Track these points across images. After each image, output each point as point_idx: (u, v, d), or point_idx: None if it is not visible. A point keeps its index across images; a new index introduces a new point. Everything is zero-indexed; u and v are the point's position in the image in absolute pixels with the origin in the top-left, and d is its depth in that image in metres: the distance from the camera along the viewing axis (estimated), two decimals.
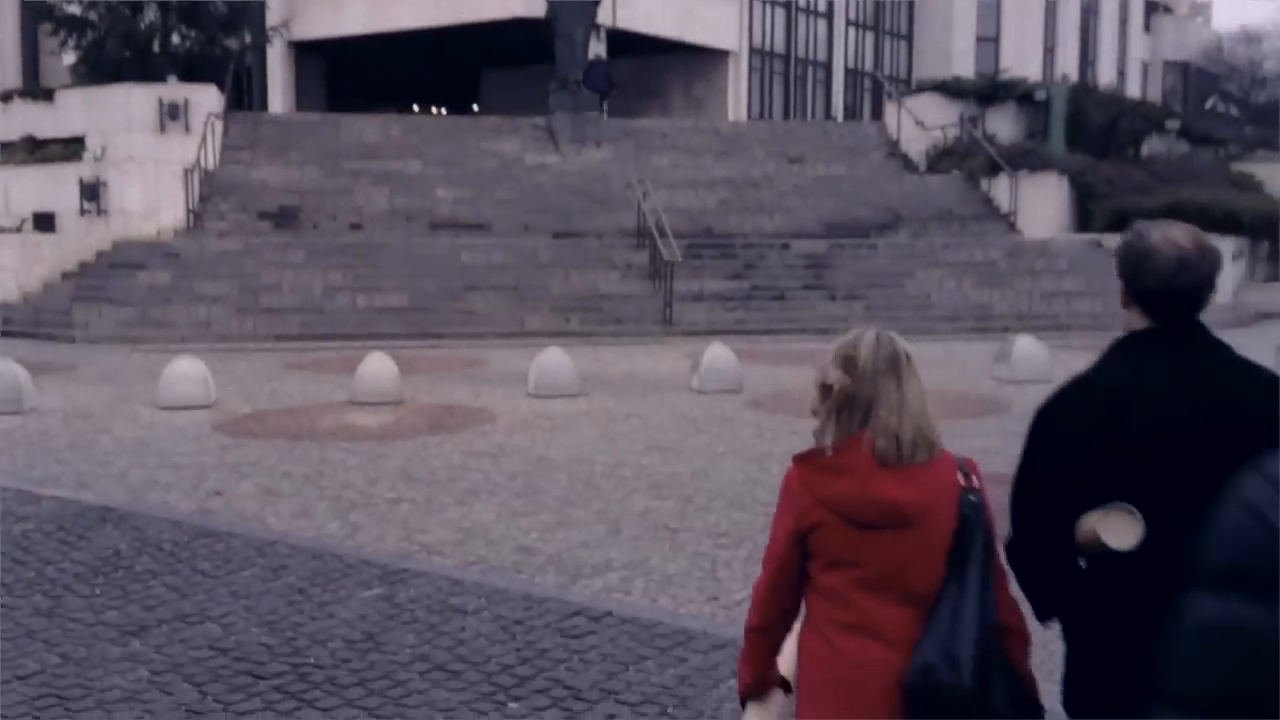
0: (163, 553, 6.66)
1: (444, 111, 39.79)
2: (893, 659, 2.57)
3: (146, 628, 5.45)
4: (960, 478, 2.67)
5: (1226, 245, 23.35)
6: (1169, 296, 2.61)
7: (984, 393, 12.83)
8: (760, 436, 10.29)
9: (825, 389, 2.66)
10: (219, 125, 23.98)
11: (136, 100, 23.13)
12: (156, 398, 11.86)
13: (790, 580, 2.71)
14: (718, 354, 13.04)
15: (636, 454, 9.55)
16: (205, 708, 4.56)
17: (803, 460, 2.69)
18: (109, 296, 19.00)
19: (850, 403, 2.64)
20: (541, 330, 18.33)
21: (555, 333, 17.94)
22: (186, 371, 12.03)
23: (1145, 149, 29.71)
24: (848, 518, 2.61)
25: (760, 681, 2.82)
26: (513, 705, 4.60)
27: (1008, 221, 24.53)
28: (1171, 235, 2.64)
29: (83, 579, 6.18)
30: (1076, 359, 16.26)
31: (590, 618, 5.59)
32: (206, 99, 23.77)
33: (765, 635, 2.78)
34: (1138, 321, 2.70)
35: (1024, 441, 2.74)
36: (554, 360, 12.87)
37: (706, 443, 9.96)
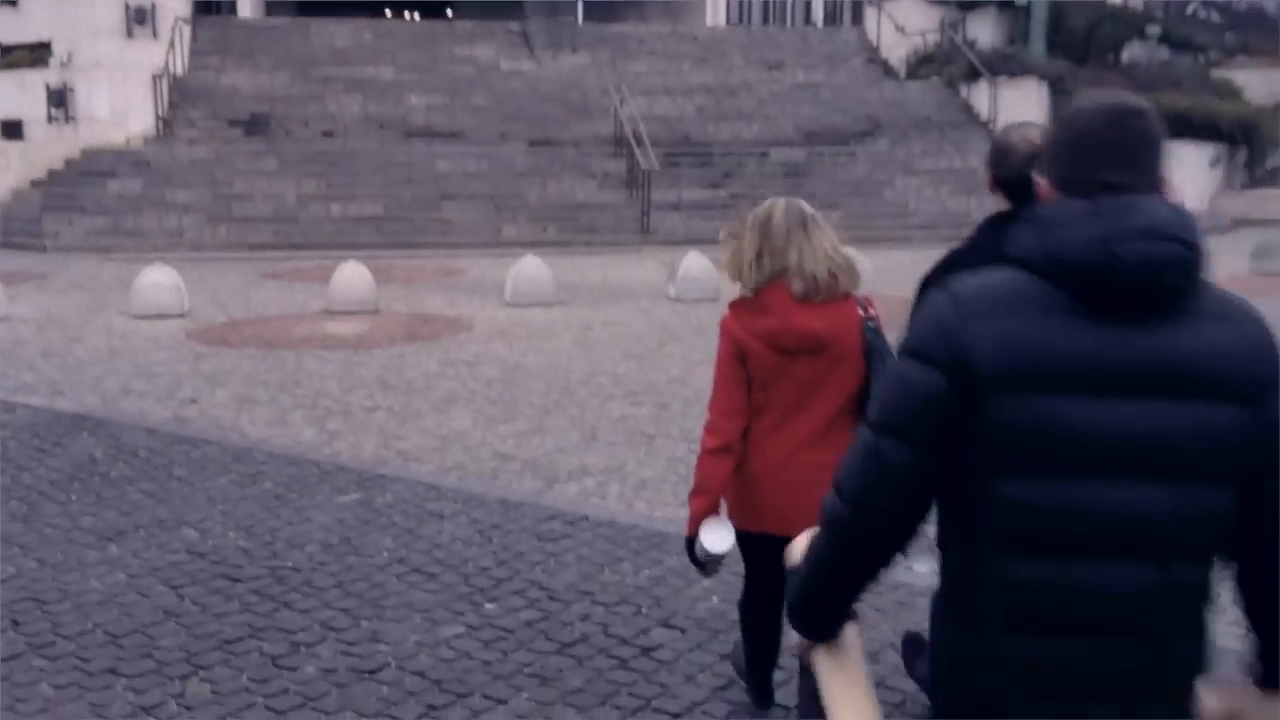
0: (138, 459, 6.66)
1: (416, 17, 39.04)
2: (813, 453, 3.29)
3: (123, 533, 5.47)
4: (860, 310, 3.36)
5: (1204, 152, 23.35)
6: (1020, 184, 2.98)
7: None
8: None
9: (737, 245, 3.43)
10: (187, 30, 23.48)
11: (102, 4, 22.61)
12: (130, 306, 11.78)
13: (739, 396, 3.41)
14: (695, 262, 13.00)
15: (613, 362, 9.56)
16: (182, 610, 4.60)
17: (735, 304, 3.45)
18: (79, 205, 18.74)
19: (768, 256, 3.33)
20: (518, 240, 18.21)
21: (532, 242, 17.82)
22: (159, 280, 11.93)
23: (1125, 55, 29.45)
24: (775, 346, 3.32)
25: (714, 502, 3.40)
26: (489, 606, 4.65)
27: (987, 129, 24.36)
28: (1027, 134, 3.15)
29: (59, 485, 6.19)
30: None
31: (566, 521, 5.64)
32: (174, 3, 23.24)
33: (724, 454, 3.39)
34: (1001, 204, 3.18)
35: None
36: (531, 269, 12.82)
37: (683, 350, 9.97)
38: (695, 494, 3.44)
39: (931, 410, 1.80)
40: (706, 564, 3.54)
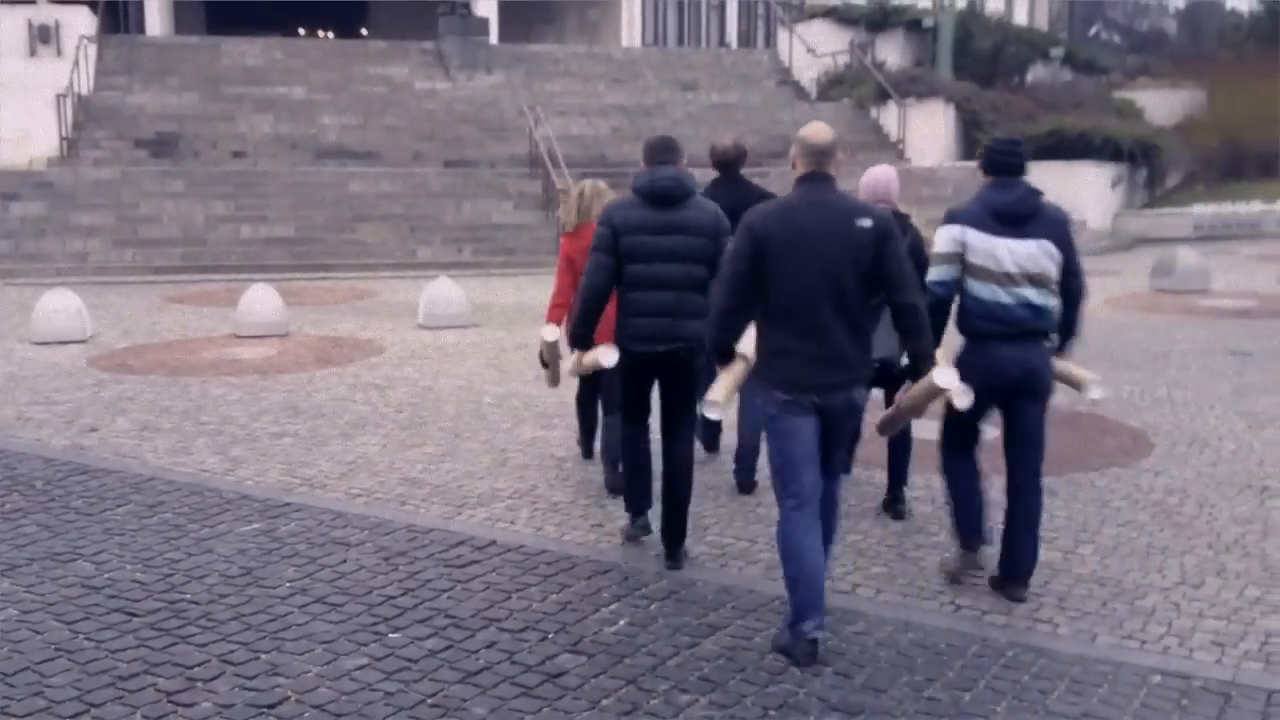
0: (34, 490, 6.49)
1: (330, 35, 38.75)
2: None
3: (16, 566, 5.32)
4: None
5: (1105, 171, 23.93)
6: (722, 166, 6.89)
7: None
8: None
9: (566, 206, 6.82)
10: (93, 49, 23.03)
11: (4, 22, 22.12)
12: (30, 333, 11.50)
13: (566, 282, 6.49)
14: None
15: (526, 384, 9.53)
16: (75, 646, 4.48)
17: (566, 235, 6.63)
18: None
19: (579, 211, 6.58)
20: (433, 261, 18.09)
21: (447, 264, 17.73)
22: (60, 305, 11.66)
23: (1030, 76, 30.15)
24: (585, 252, 5.66)
25: (588, 337, 5.57)
26: (393, 635, 4.60)
27: (896, 149, 24.78)
28: (721, 141, 6.99)
29: None
30: None
31: (474, 547, 5.60)
32: (79, 21, 22.80)
33: (563, 309, 6.46)
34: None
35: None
36: (444, 291, 12.74)
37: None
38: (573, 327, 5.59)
39: (605, 240, 5.34)
40: (583, 373, 6.02)
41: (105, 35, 24.69)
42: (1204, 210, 23.41)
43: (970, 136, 25.43)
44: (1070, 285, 5.01)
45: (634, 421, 5.65)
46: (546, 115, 21.74)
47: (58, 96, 20.43)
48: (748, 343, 4.65)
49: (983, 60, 28.75)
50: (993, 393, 4.95)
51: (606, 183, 6.73)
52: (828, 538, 4.68)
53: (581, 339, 5.49)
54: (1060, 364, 5.15)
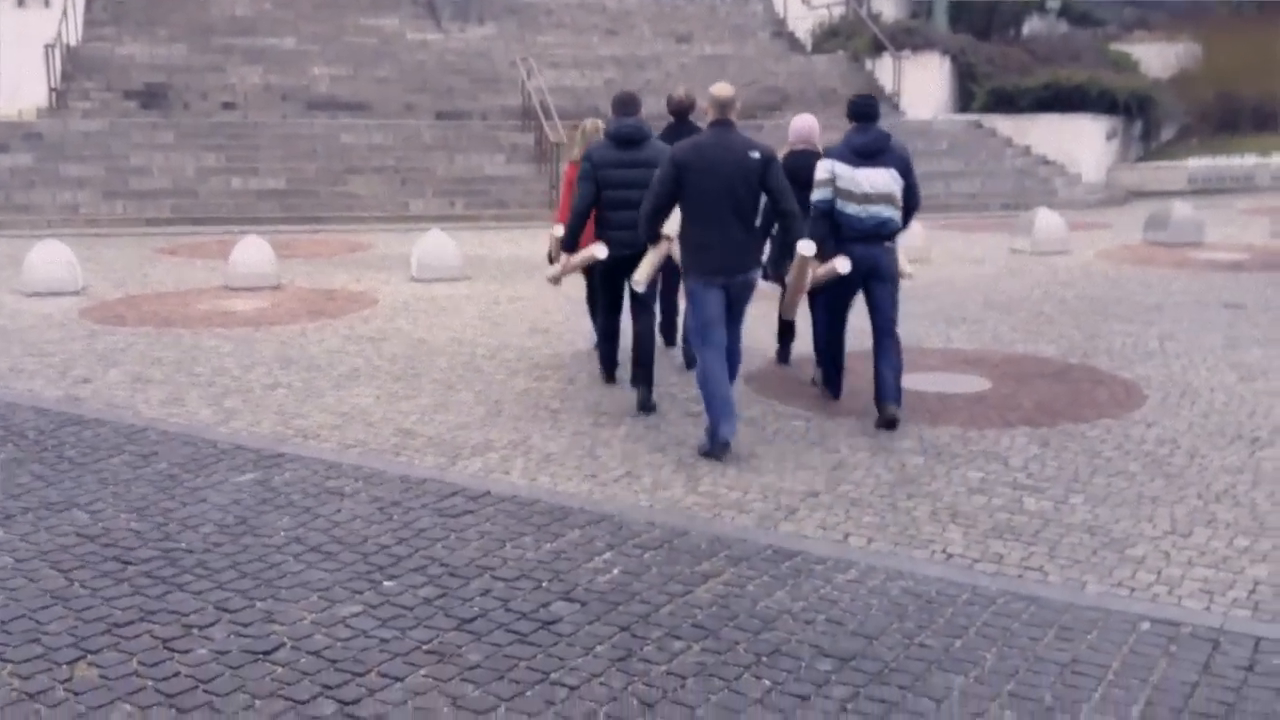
0: (28, 440, 6.49)
1: None
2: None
3: (10, 516, 5.33)
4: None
5: (1101, 124, 23.82)
6: (676, 113, 8.14)
7: None
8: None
9: (571, 139, 9.13)
10: None
11: None
12: (21, 284, 11.45)
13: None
14: None
15: (519, 336, 9.53)
16: (71, 594, 4.50)
17: (572, 162, 8.24)
18: None
19: (581, 144, 8.06)
20: (425, 214, 18.02)
21: (439, 216, 17.65)
22: (52, 257, 11.60)
23: (1026, 28, 29.93)
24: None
25: (575, 243, 7.41)
26: (388, 584, 4.62)
27: (891, 102, 24.63)
28: (676, 93, 8.24)
29: None
30: (953, 239, 16.62)
31: (468, 497, 5.62)
32: None
33: (580, 223, 7.37)
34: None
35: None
36: (437, 243, 12.69)
37: (590, 325, 9.94)
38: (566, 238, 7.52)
39: (587, 172, 7.28)
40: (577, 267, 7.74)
41: None
42: (1198, 164, 23.35)
43: (966, 89, 25.31)
44: (909, 201, 7.00)
45: (612, 313, 7.78)
46: (539, 67, 21.57)
47: (46, 47, 20.22)
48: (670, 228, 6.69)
49: (979, 12, 28.53)
50: (851, 279, 6.90)
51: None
52: (732, 374, 6.60)
53: (570, 245, 7.47)
54: (906, 269, 7.26)
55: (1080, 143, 23.42)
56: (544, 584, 4.62)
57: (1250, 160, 23.46)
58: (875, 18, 26.67)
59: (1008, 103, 24.14)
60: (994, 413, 7.16)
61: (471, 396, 7.58)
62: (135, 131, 19.38)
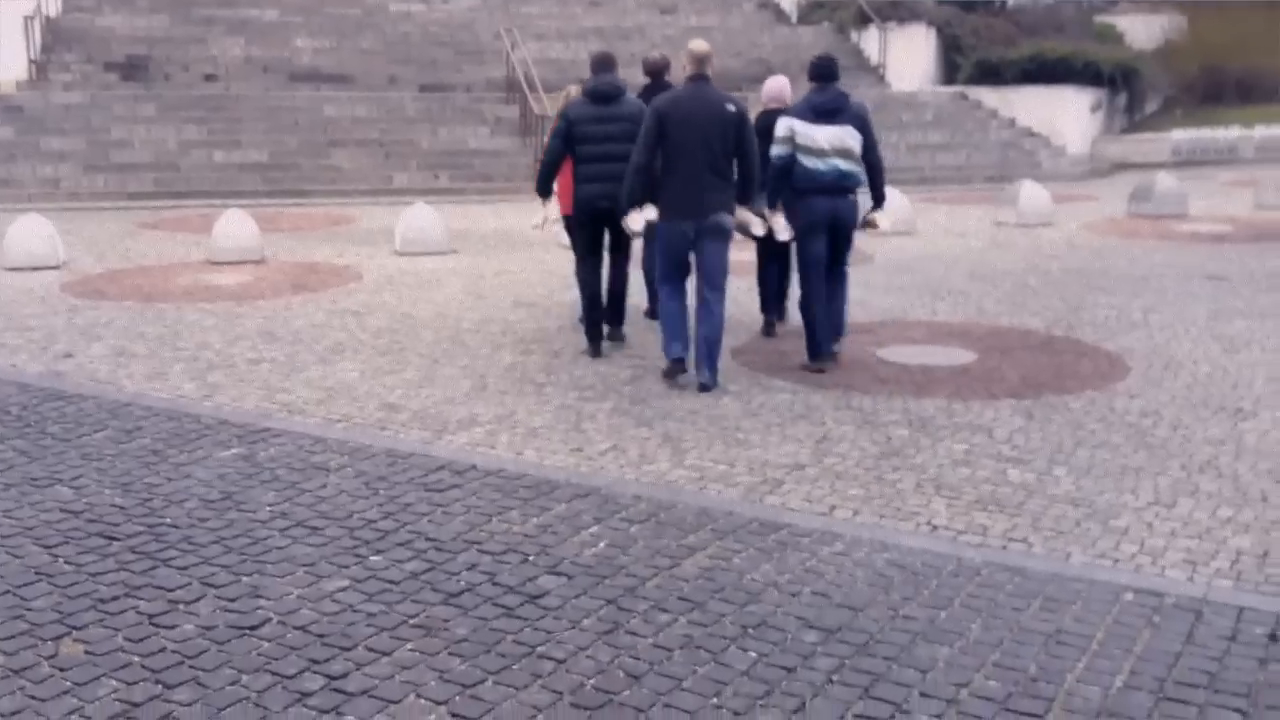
0: (10, 416, 6.46)
1: None
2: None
3: None
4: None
5: (1085, 96, 23.82)
6: (651, 73, 8.77)
7: None
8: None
9: (556, 101, 10.00)
10: None
11: None
12: (2, 259, 11.36)
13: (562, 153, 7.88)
14: None
15: (504, 310, 9.50)
16: (56, 570, 4.48)
17: (556, 118, 7.96)
18: None
19: (565, 104, 8.10)
20: (409, 187, 17.94)
21: (424, 190, 17.58)
22: (33, 230, 11.52)
23: (1011, 0, 29.85)
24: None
25: (548, 190, 8.04)
26: (374, 558, 4.61)
27: (877, 73, 24.60)
28: (652, 55, 9.08)
29: None
30: (938, 212, 16.63)
31: (454, 471, 5.61)
32: None
33: (550, 173, 7.93)
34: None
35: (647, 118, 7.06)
36: (421, 217, 12.64)
37: (575, 298, 9.91)
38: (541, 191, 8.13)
39: (561, 131, 7.78)
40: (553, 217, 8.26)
41: None
42: (1182, 136, 23.40)
43: (951, 61, 25.25)
44: (870, 157, 7.47)
45: (591, 259, 8.09)
46: (523, 38, 21.45)
47: (25, 19, 20.03)
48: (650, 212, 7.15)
49: None
50: (816, 227, 7.42)
51: None
52: (716, 331, 7.07)
53: (543, 192, 8.07)
54: (871, 215, 7.74)
55: (1065, 115, 23.42)
56: (530, 558, 4.63)
57: (1234, 132, 23.51)
58: None
59: (993, 75, 24.11)
60: (979, 385, 7.18)
61: (457, 371, 7.57)
62: (116, 104, 19.23)
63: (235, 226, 11.91)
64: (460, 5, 25.51)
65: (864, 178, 7.47)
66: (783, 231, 7.46)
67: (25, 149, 17.88)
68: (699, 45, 7.02)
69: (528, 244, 13.03)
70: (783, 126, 7.38)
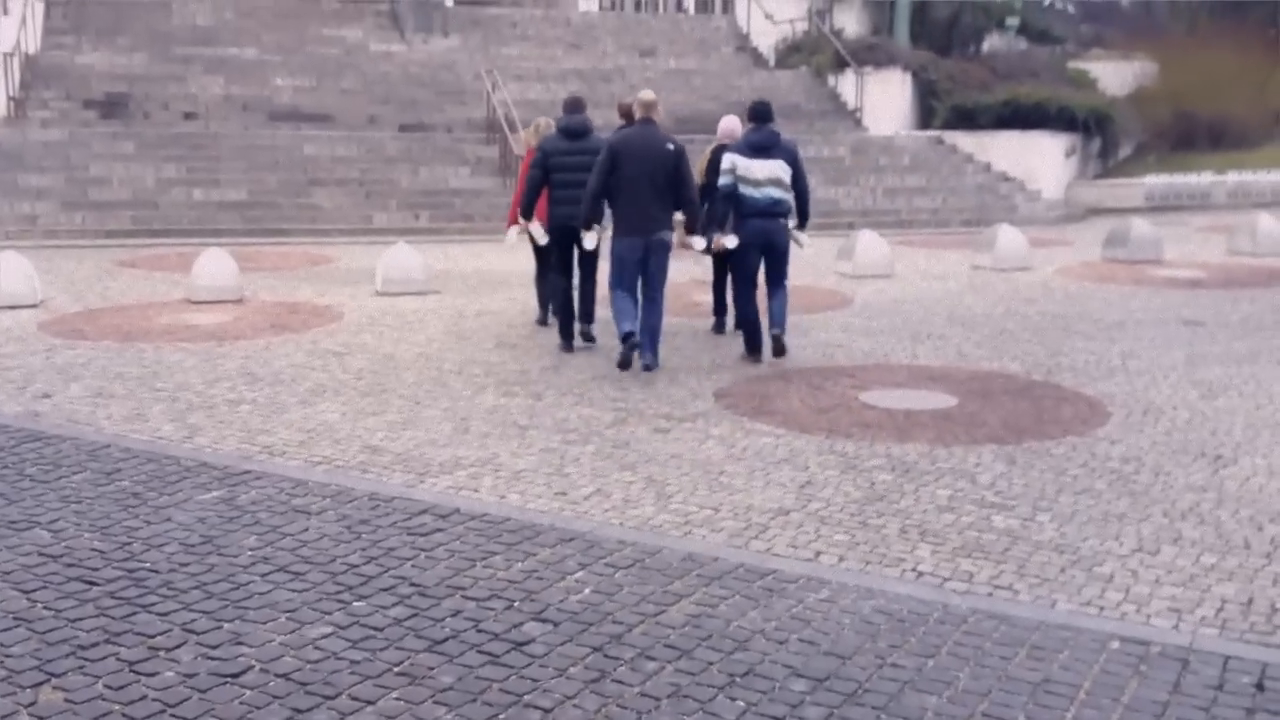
0: None
1: None
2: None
3: None
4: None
5: (1060, 141, 24.09)
6: (625, 115, 9.41)
7: (828, 287, 13.07)
8: (609, 331, 10.31)
9: (528, 135, 10.82)
10: (40, 6, 22.59)
11: None
12: None
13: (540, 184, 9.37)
14: None
15: (486, 351, 9.49)
16: (34, 615, 4.42)
17: (530, 151, 9.93)
18: None
19: (536, 136, 10.09)
20: (389, 227, 17.95)
21: (404, 229, 17.60)
22: (10, 268, 11.45)
23: (986, 45, 30.27)
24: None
25: (530, 213, 9.46)
26: (357, 604, 4.57)
27: (854, 118, 24.82)
28: (624, 100, 10.04)
29: None
30: (916, 255, 16.73)
31: (438, 515, 5.58)
32: None
33: (533, 198, 9.38)
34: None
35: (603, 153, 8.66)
36: (402, 256, 12.63)
37: (556, 338, 9.94)
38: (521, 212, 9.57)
39: (539, 162, 9.30)
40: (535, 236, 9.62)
41: None
42: (1156, 181, 23.67)
43: (927, 105, 25.51)
44: (798, 186, 8.93)
45: (563, 272, 9.55)
46: (503, 79, 21.58)
47: (4, 55, 20.02)
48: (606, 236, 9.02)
49: (940, 29, 28.83)
50: (754, 247, 8.91)
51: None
52: (655, 338, 8.75)
53: (526, 214, 9.44)
54: (794, 233, 9.13)
55: (1040, 159, 23.67)
56: (515, 604, 4.59)
57: (1206, 178, 23.80)
58: (838, 34, 26.88)
59: (968, 119, 24.36)
60: (961, 429, 7.20)
61: (439, 412, 7.54)
62: (95, 141, 19.20)
63: (214, 265, 11.87)
64: (441, 46, 25.64)
65: (793, 204, 8.95)
66: (730, 242, 8.91)
67: (3, 186, 17.79)
68: (647, 94, 8.73)
69: (508, 284, 13.04)
70: (726, 161, 8.81)
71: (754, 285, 9.05)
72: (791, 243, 9.13)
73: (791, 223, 9.09)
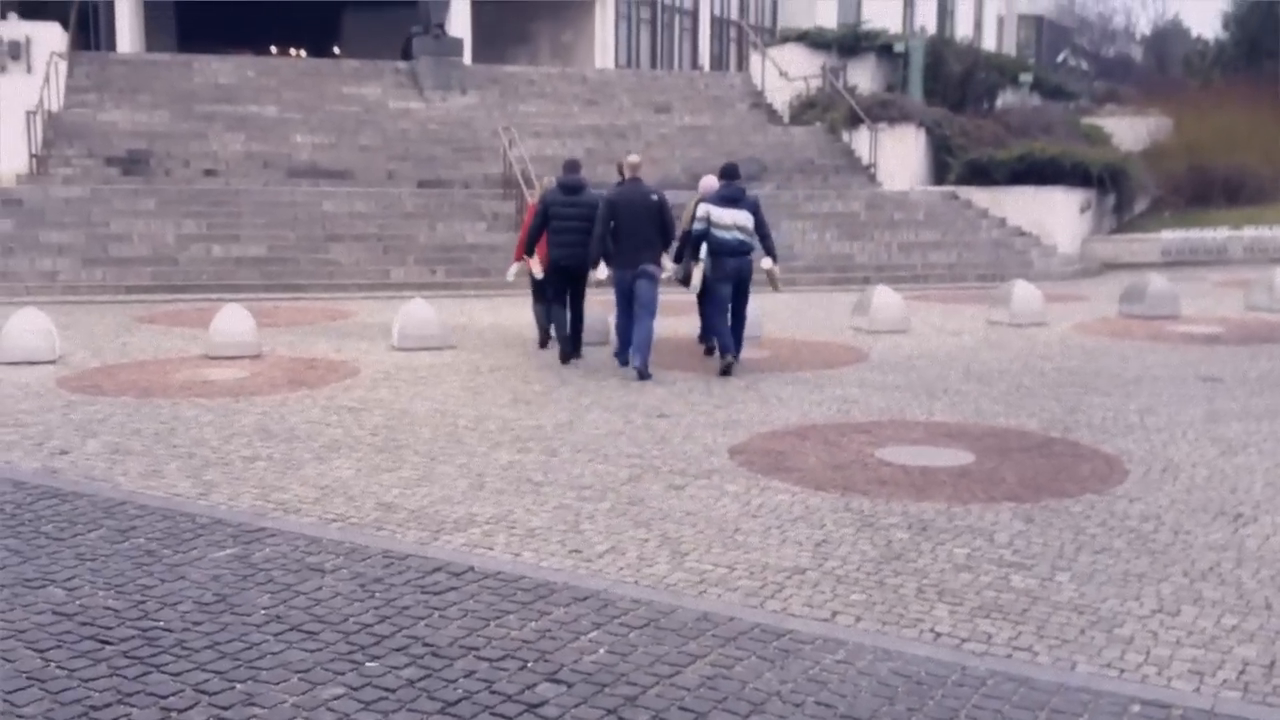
0: (3, 514, 6.40)
1: (303, 54, 38.65)
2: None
3: None
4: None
5: (1074, 197, 24.14)
6: (634, 169, 11.36)
7: (844, 342, 13.07)
8: (625, 388, 10.32)
9: (536, 192, 13.59)
10: (63, 65, 22.93)
11: None
12: None
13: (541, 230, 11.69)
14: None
15: (501, 407, 9.50)
16: (47, 674, 4.41)
17: (533, 204, 12.57)
18: None
19: (541, 190, 12.65)
20: (406, 282, 18.06)
21: (421, 285, 17.71)
22: (29, 324, 11.54)
23: (1000, 101, 30.43)
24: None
25: (531, 251, 11.82)
26: (370, 664, 4.55)
27: (868, 173, 24.94)
28: (621, 160, 11.78)
29: None
30: (932, 310, 16.73)
31: (451, 573, 5.56)
32: (49, 37, 22.69)
33: (534, 239, 11.69)
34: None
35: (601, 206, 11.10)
36: (418, 312, 12.69)
37: (571, 395, 9.95)
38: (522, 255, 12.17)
39: (540, 212, 11.65)
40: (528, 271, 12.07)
41: (76, 52, 24.58)
42: (1172, 236, 23.67)
43: (941, 161, 25.63)
44: (760, 230, 11.04)
45: (559, 303, 11.66)
46: (520, 136, 21.78)
47: (27, 113, 20.31)
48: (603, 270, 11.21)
49: (953, 85, 29.00)
50: (724, 278, 10.91)
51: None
52: (645, 347, 10.72)
53: (529, 252, 11.72)
54: (765, 266, 11.28)
55: (1055, 215, 23.72)
56: (529, 664, 4.56)
57: (1223, 233, 23.80)
58: (851, 90, 27.07)
59: (983, 174, 24.45)
60: (978, 487, 7.16)
61: (454, 469, 7.54)
62: (116, 198, 19.41)
63: (232, 321, 11.95)
64: (459, 103, 25.92)
65: (758, 244, 11.02)
66: (697, 274, 10.89)
67: (24, 242, 17.99)
68: (633, 158, 11.38)
69: (523, 340, 13.08)
70: (701, 210, 10.97)
71: (725, 311, 11.18)
72: (768, 282, 11.47)
73: (766, 262, 11.19)
